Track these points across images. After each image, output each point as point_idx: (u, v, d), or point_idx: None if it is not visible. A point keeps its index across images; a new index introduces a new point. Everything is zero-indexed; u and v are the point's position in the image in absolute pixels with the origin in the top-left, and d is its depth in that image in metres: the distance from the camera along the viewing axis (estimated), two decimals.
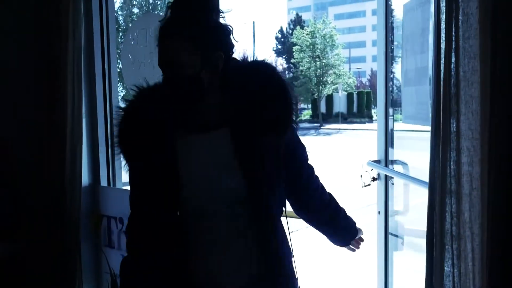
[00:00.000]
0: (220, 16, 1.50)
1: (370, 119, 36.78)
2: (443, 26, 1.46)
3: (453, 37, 1.44)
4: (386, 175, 2.76)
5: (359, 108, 39.51)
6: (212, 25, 1.46)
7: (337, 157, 17.24)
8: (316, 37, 36.92)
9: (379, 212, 2.80)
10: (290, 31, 47.95)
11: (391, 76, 2.76)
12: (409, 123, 2.71)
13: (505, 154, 1.41)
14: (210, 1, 1.47)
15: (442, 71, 1.47)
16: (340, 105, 38.13)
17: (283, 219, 1.64)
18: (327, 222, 1.81)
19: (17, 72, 2.54)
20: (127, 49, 2.72)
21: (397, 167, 2.78)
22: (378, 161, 2.78)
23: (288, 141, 1.56)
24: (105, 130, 2.65)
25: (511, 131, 1.41)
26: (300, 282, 1.74)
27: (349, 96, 39.28)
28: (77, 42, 2.33)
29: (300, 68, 37.92)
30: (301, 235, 5.41)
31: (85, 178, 2.60)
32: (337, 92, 37.91)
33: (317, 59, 36.84)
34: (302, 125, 36.64)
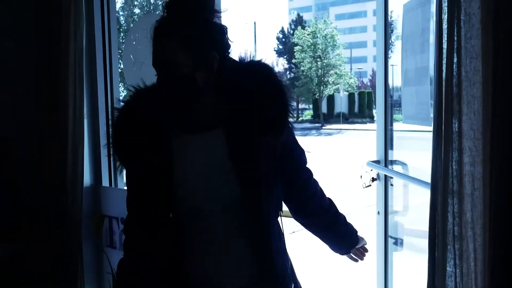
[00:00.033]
0: (216, 16, 1.49)
1: (371, 119, 36.75)
2: (445, 26, 1.46)
3: (455, 37, 1.44)
4: (385, 175, 2.76)
5: (360, 108, 39.51)
6: (208, 25, 1.46)
7: (339, 157, 17.24)
8: (317, 37, 36.93)
9: (378, 212, 2.80)
10: (291, 31, 47.90)
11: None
12: (409, 123, 2.70)
13: (507, 154, 1.40)
14: (206, 1, 1.47)
15: (444, 71, 1.47)
16: (341, 105, 38.13)
17: (282, 220, 1.64)
18: (326, 227, 1.78)
19: (19, 73, 2.54)
20: (129, 50, 2.72)
21: (397, 167, 2.78)
22: (377, 162, 2.78)
23: (285, 142, 1.55)
24: (107, 130, 2.65)
25: None
26: (301, 283, 1.74)
27: (351, 96, 39.28)
28: (79, 42, 2.33)
29: (301, 68, 37.94)
30: (301, 235, 5.41)
31: (87, 179, 2.60)
32: (339, 92, 37.93)
33: (318, 59, 36.85)
34: (303, 125, 36.68)
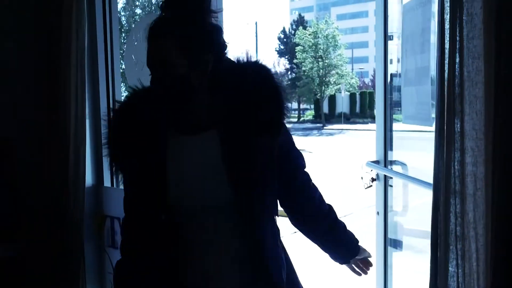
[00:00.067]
0: (212, 16, 1.49)
1: (372, 119, 36.67)
2: (447, 26, 1.46)
3: (457, 37, 1.43)
4: (385, 176, 2.75)
5: (361, 109, 39.50)
6: (204, 25, 1.45)
7: (340, 157, 17.23)
8: (318, 37, 36.93)
9: (378, 212, 2.80)
10: (293, 32, 47.92)
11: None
12: (409, 123, 2.70)
13: (509, 154, 1.40)
14: (202, 1, 1.46)
15: (446, 71, 1.46)
16: (342, 106, 38.13)
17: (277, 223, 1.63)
18: (324, 233, 1.74)
19: (20, 73, 2.54)
20: (130, 50, 2.72)
21: (396, 168, 2.78)
22: (377, 162, 2.78)
23: (282, 143, 1.55)
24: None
25: None
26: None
27: (352, 96, 39.27)
28: (81, 42, 2.33)
29: (303, 68, 37.95)
30: (301, 236, 5.40)
31: (89, 179, 2.60)
32: (340, 92, 37.92)
33: (319, 60, 36.86)
34: (304, 125, 36.68)
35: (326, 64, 36.81)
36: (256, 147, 1.47)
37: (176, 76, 1.42)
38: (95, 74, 2.62)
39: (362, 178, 2.86)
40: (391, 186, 2.77)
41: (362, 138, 24.10)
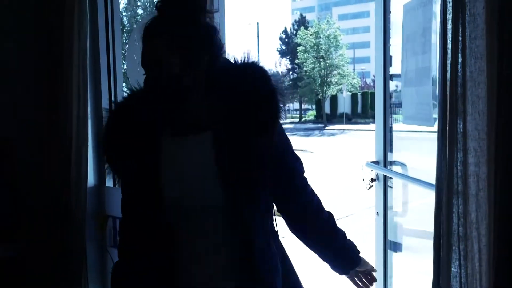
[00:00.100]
0: (208, 17, 1.48)
1: (374, 119, 36.71)
2: (449, 26, 1.46)
3: (460, 38, 1.43)
4: (385, 176, 2.75)
5: (363, 109, 39.51)
6: (199, 25, 1.45)
7: (341, 158, 17.23)
8: (320, 37, 36.96)
9: (377, 213, 2.80)
10: (294, 32, 47.94)
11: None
12: (409, 123, 2.69)
13: None
14: (198, 1, 1.46)
15: (449, 71, 1.46)
16: (344, 106, 38.14)
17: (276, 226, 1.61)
18: (323, 240, 1.69)
19: (21, 73, 2.54)
20: (132, 50, 2.72)
21: (396, 168, 2.77)
22: (376, 162, 2.77)
23: (277, 145, 1.52)
24: None
25: None
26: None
27: (354, 96, 39.30)
28: (83, 43, 2.33)
29: (304, 68, 37.97)
30: None
31: (91, 179, 2.60)
32: (341, 92, 37.93)
33: (321, 60, 36.88)
34: (306, 125, 36.69)
35: (327, 64, 36.83)
36: (249, 149, 1.46)
37: (169, 76, 1.41)
38: (97, 74, 2.62)
39: (363, 179, 2.85)
40: (390, 187, 2.77)
41: (363, 139, 24.10)
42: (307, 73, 38.04)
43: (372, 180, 2.81)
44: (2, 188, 2.53)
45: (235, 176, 1.45)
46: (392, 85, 2.88)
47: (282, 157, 1.57)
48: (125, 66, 2.89)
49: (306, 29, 39.47)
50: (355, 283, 1.76)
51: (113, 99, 2.66)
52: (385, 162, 2.75)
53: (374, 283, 1.77)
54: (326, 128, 34.31)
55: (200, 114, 1.50)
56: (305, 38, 37.33)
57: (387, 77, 2.78)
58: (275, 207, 1.66)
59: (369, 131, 27.34)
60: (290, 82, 41.76)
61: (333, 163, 15.62)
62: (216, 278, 1.52)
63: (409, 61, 2.56)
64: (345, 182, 11.31)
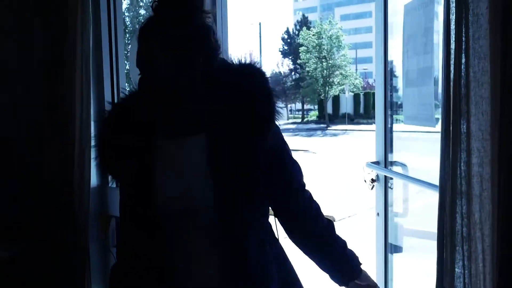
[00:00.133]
0: (205, 17, 1.48)
1: None
2: (452, 26, 1.45)
3: (463, 38, 1.43)
4: (385, 176, 2.74)
5: (365, 109, 39.49)
6: (195, 25, 1.44)
7: (344, 158, 17.22)
8: (322, 38, 36.97)
9: (378, 214, 2.79)
10: (297, 32, 47.93)
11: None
12: (410, 124, 2.69)
13: None
14: (194, 1, 1.46)
15: (452, 71, 1.46)
16: (346, 106, 38.14)
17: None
18: (321, 249, 1.65)
19: (24, 73, 2.54)
20: (135, 51, 2.71)
21: (396, 169, 2.76)
22: (377, 163, 2.76)
23: (272, 148, 1.51)
24: None
25: None
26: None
27: (356, 97, 39.27)
28: (86, 44, 2.33)
29: (307, 69, 37.99)
30: None
31: (94, 179, 2.60)
32: (344, 93, 37.93)
33: (323, 60, 36.89)
34: (308, 126, 36.66)
35: (330, 64, 36.84)
36: (244, 150, 1.45)
37: (163, 76, 1.41)
38: (100, 75, 2.62)
39: (365, 180, 2.85)
40: (391, 188, 2.77)
41: (366, 139, 24.06)
42: (309, 74, 38.04)
43: (373, 180, 2.80)
44: (5, 188, 2.54)
45: (227, 177, 1.44)
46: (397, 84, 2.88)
47: (278, 159, 1.55)
48: (127, 67, 2.89)
49: (308, 30, 39.49)
50: None
51: (115, 100, 2.66)
52: (386, 162, 2.74)
53: None
54: (329, 128, 34.30)
55: (195, 115, 1.49)
56: (307, 39, 37.35)
57: (387, 77, 2.78)
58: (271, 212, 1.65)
59: (371, 132, 27.34)
60: (292, 83, 41.77)
61: (335, 164, 15.61)
62: (209, 280, 1.51)
63: (410, 61, 2.56)
64: (347, 182, 11.30)
